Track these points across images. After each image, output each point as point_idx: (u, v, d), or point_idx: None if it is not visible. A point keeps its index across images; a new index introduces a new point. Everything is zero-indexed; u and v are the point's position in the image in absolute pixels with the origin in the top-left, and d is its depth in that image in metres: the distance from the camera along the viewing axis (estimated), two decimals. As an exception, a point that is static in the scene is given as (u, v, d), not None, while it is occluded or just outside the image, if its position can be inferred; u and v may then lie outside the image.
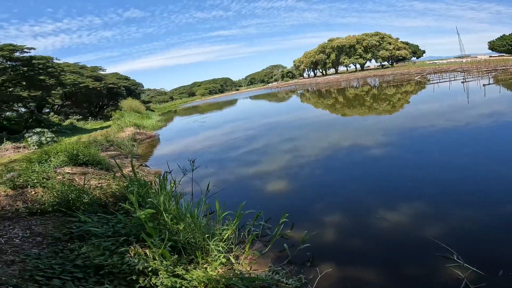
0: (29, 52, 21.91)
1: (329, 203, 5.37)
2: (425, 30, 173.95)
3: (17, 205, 4.51)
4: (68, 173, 6.98)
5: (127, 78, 51.26)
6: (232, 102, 49.72)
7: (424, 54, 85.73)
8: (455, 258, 3.23)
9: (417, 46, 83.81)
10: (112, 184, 6.30)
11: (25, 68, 21.55)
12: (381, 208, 4.76)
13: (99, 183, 6.27)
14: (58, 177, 6.12)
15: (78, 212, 4.06)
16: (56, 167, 7.38)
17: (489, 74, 25.97)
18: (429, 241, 3.68)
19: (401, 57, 73.49)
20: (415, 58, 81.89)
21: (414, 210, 4.59)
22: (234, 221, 3.93)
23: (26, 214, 4.25)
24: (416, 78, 32.26)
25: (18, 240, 3.36)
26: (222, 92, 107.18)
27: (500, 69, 27.50)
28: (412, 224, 4.20)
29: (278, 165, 8.18)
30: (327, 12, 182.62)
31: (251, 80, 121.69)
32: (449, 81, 24.41)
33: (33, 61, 21.84)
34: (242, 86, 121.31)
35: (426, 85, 25.49)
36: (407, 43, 78.07)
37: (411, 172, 6.15)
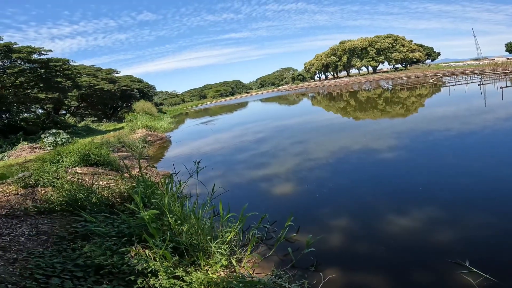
0: (46, 54, 22.53)
1: (337, 207, 5.27)
2: (440, 32, 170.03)
3: (26, 204, 4.60)
4: (78, 173, 7.11)
5: (140, 81, 52.36)
6: (243, 105, 49.89)
7: (439, 57, 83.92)
8: (467, 265, 3.08)
9: (431, 48, 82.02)
10: (120, 184, 6.37)
11: (43, 70, 22.17)
12: (390, 213, 4.63)
13: (107, 184, 6.35)
14: (68, 177, 6.24)
15: (84, 212, 4.11)
16: (67, 167, 7.55)
17: (507, 76, 25.04)
18: (439, 247, 3.53)
19: (415, 60, 71.82)
20: (430, 60, 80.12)
21: (425, 215, 4.42)
22: (237, 224, 3.88)
23: (35, 213, 4.33)
24: (430, 80, 31.48)
25: (23, 239, 3.41)
26: (232, 94, 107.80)
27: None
28: (422, 230, 4.05)
29: (286, 168, 8.11)
30: (338, 14, 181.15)
31: (262, 83, 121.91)
32: (466, 83, 23.66)
33: (50, 63, 22.45)
34: (252, 88, 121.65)
35: (441, 88, 24.80)
36: (421, 45, 76.42)
37: (423, 177, 5.95)
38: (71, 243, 3.28)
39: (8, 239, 3.35)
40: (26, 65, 21.54)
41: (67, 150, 8.71)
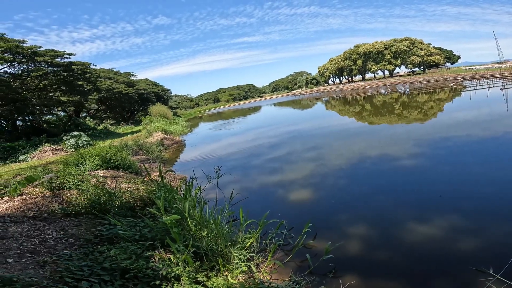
0: (69, 58, 23.28)
1: (354, 214, 5.21)
2: (460, 35, 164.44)
3: (53, 206, 4.82)
4: (101, 176, 7.38)
5: (156, 84, 53.61)
6: (256, 109, 50.10)
7: (459, 60, 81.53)
8: (491, 272, 3.00)
9: (451, 51, 79.74)
10: (140, 188, 6.56)
11: (65, 73, 22.92)
12: (410, 221, 4.56)
13: (128, 187, 6.56)
14: (92, 180, 6.50)
15: (108, 215, 4.27)
16: (90, 170, 7.84)
17: None
18: (462, 255, 3.46)
19: (434, 63, 69.73)
20: (449, 64, 77.83)
21: (446, 223, 4.33)
22: (257, 230, 3.93)
23: (61, 215, 4.53)
24: (451, 84, 30.55)
25: (51, 241, 3.58)
26: (246, 98, 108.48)
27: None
28: (444, 238, 3.97)
29: (302, 174, 8.06)
30: (352, 18, 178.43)
31: (275, 87, 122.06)
32: (488, 88, 22.85)
33: (73, 67, 23.18)
34: (266, 92, 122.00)
35: (462, 92, 24.04)
36: (440, 49, 74.41)
37: (443, 184, 5.80)
38: (98, 246, 3.42)
39: (36, 241, 3.53)
40: (50, 68, 22.25)
41: (90, 153, 9.06)
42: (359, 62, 77.14)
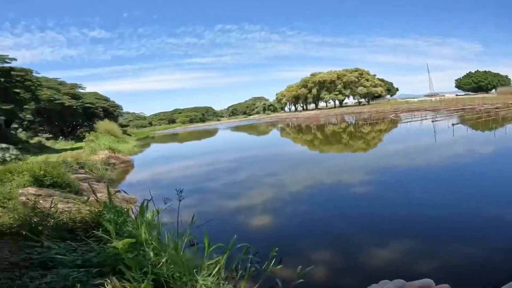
0: (10, 62, 20.98)
1: (315, 238, 5.35)
2: (396, 67, 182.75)
3: (-32, 227, 3.88)
4: (33, 194, 6.29)
5: (106, 99, 50.08)
6: (213, 132, 49.68)
7: (397, 92, 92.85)
8: None
9: (391, 83, 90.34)
10: (82, 209, 5.71)
11: (2, 79, 20.41)
12: (370, 244, 4.76)
13: (67, 207, 5.67)
14: (21, 198, 5.47)
15: (41, 237, 3.55)
16: (19, 187, 6.66)
17: (457, 112, 28.54)
18: (419, 275, 3.58)
19: (377, 94, 77.61)
20: (389, 96, 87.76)
21: (402, 245, 4.60)
22: (224, 255, 3.61)
23: (-22, 237, 3.65)
24: (391, 116, 34.43)
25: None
26: (203, 121, 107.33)
27: (467, 108, 30.31)
28: (402, 259, 4.19)
29: (261, 199, 8.05)
30: (301, 46, 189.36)
31: (233, 111, 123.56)
32: (421, 119, 26.49)
33: (12, 73, 20.84)
34: (223, 116, 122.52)
35: (399, 124, 27.34)
36: (383, 80, 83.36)
37: (392, 207, 6.33)
38: (27, 271, 2.75)
39: None
40: None
41: (20, 168, 7.77)
42: (314, 91, 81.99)
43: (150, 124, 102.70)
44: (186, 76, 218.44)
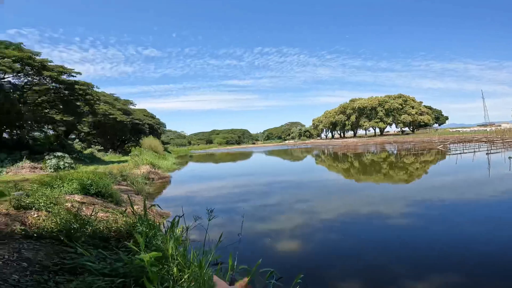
0: (75, 76, 22.91)
1: (345, 268, 5.12)
2: (445, 93, 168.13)
3: (14, 226, 4.20)
4: (78, 201, 6.74)
5: (152, 116, 53.98)
6: (248, 155, 50.22)
7: (447, 121, 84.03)
8: None
9: (440, 111, 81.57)
10: (119, 219, 5.94)
11: (67, 92, 22.37)
12: (403, 277, 4.49)
13: (106, 216, 5.94)
14: (67, 204, 5.88)
15: (76, 243, 3.70)
16: (67, 194, 7.20)
17: None
18: None
19: (423, 123, 70.38)
20: (438, 125, 79.20)
21: (440, 280, 4.27)
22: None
23: (21, 236, 3.92)
24: (438, 147, 31.63)
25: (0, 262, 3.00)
26: (239, 143, 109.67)
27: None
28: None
29: (292, 224, 7.83)
30: (340, 69, 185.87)
31: (268, 135, 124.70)
32: (474, 152, 23.92)
33: (76, 86, 22.73)
34: (259, 140, 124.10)
35: (449, 156, 24.80)
36: (430, 108, 75.76)
37: (434, 241, 5.90)
38: (56, 276, 2.84)
39: (-20, 261, 2.93)
40: (53, 84, 21.78)
41: (70, 176, 8.45)
42: (353, 118, 77.37)
43: (189, 143, 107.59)
44: (225, 98, 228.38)
